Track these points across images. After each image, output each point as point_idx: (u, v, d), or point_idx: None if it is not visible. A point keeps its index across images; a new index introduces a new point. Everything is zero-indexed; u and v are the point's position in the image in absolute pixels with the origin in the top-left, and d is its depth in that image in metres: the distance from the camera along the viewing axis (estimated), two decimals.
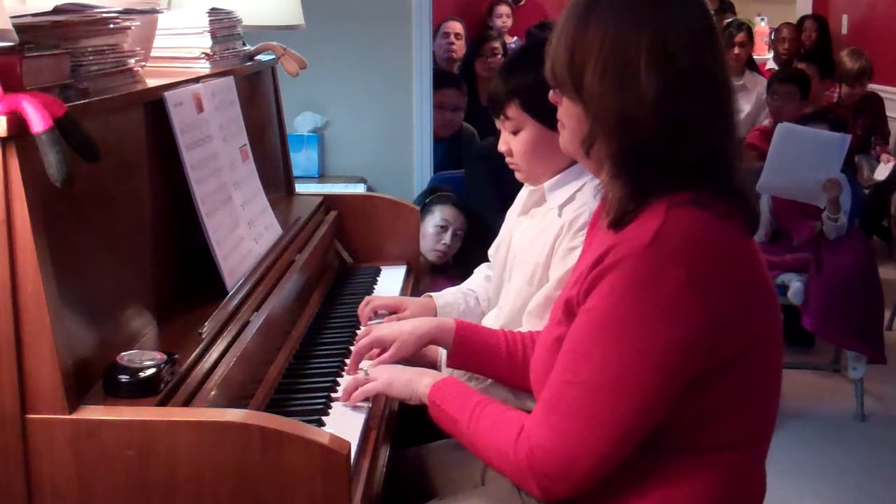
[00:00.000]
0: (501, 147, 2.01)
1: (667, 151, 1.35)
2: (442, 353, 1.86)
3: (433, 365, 1.89)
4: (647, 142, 1.35)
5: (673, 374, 1.31)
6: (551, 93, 1.47)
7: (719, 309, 1.32)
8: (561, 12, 1.45)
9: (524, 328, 1.89)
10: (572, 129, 1.44)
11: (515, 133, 1.96)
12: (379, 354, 1.80)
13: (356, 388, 1.66)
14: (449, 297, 2.21)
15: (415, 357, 1.84)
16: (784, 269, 3.78)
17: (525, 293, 1.93)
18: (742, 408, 1.39)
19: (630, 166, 1.37)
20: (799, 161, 3.67)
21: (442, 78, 4.26)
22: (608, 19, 1.36)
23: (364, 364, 1.81)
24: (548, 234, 1.91)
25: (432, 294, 2.21)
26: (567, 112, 1.44)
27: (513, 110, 1.93)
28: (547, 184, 1.96)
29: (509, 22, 6.48)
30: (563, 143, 1.49)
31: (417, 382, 1.60)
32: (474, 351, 1.80)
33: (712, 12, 1.43)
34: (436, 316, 2.15)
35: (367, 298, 2.16)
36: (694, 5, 1.39)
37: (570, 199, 1.91)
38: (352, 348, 1.88)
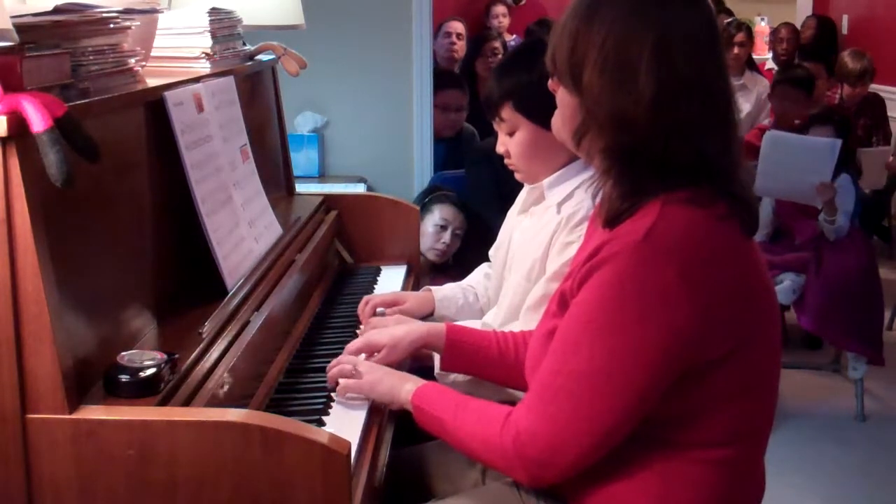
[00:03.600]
0: (499, 148, 2.01)
1: (658, 154, 1.35)
2: (436, 358, 1.87)
3: (432, 369, 1.89)
4: (639, 143, 1.35)
5: (660, 368, 1.32)
6: (550, 79, 1.48)
7: (711, 306, 1.32)
8: (566, 7, 1.45)
9: (520, 323, 1.90)
10: (565, 117, 1.46)
11: (511, 134, 1.96)
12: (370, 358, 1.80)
13: (339, 374, 1.68)
14: (447, 291, 2.23)
15: (415, 362, 1.85)
16: (784, 268, 3.78)
17: (523, 289, 1.94)
18: (735, 404, 1.40)
19: (620, 164, 1.38)
20: (789, 166, 3.68)
21: (445, 78, 4.26)
22: (614, 16, 1.36)
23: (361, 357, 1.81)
24: (546, 231, 1.92)
25: (431, 288, 2.22)
26: (563, 100, 1.46)
27: (507, 112, 1.94)
28: (546, 181, 1.96)
29: (506, 21, 6.50)
30: (556, 127, 1.51)
31: (399, 389, 1.60)
32: (466, 353, 1.80)
33: (716, 17, 1.43)
34: (434, 309, 2.17)
35: (365, 298, 2.16)
36: (700, 10, 1.39)
37: (569, 196, 1.92)
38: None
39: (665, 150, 1.35)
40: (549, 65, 1.45)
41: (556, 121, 1.49)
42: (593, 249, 1.35)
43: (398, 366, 1.83)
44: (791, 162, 3.68)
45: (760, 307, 1.41)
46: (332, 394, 1.69)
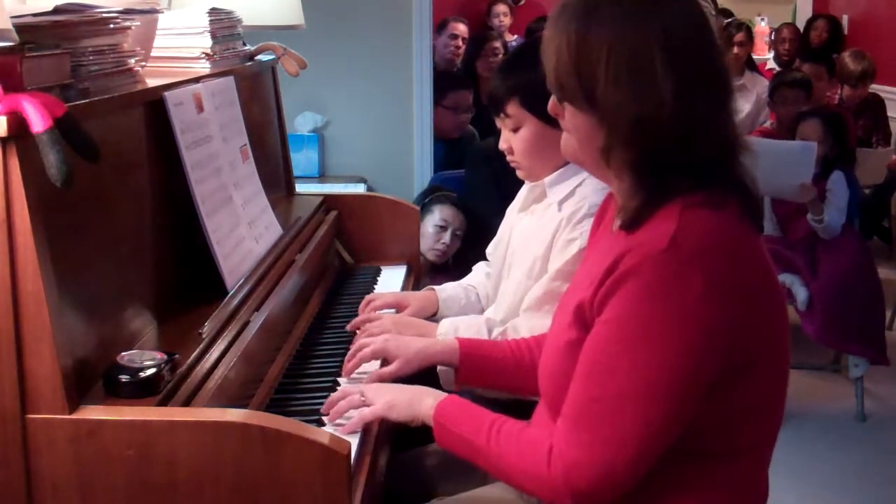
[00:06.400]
0: (502, 145, 2.01)
1: (684, 150, 1.33)
2: (441, 371, 1.86)
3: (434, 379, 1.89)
4: (666, 143, 1.33)
5: (697, 378, 1.29)
6: (550, 104, 1.43)
7: (736, 312, 1.30)
8: (550, 17, 1.39)
9: (521, 321, 1.89)
10: (583, 138, 1.39)
11: (515, 130, 1.96)
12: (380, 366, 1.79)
13: (348, 406, 1.59)
14: (451, 292, 2.23)
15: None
16: (783, 268, 3.76)
17: (524, 287, 1.94)
18: (749, 416, 1.38)
19: (650, 170, 1.34)
20: (769, 170, 3.67)
21: (455, 79, 4.29)
22: (612, 23, 1.33)
23: (365, 366, 1.80)
24: (547, 229, 1.92)
25: (435, 288, 2.22)
26: (575, 123, 1.39)
27: (512, 108, 1.94)
28: (547, 179, 1.96)
29: (507, 21, 6.49)
30: (572, 151, 1.44)
31: (419, 403, 1.54)
32: (483, 366, 1.78)
33: (711, 14, 1.42)
34: (438, 309, 2.17)
35: (367, 297, 2.16)
36: (689, 4, 1.38)
37: (570, 194, 1.92)
38: (352, 348, 1.88)
39: (689, 145, 1.33)
40: (555, 89, 1.39)
41: (570, 145, 1.43)
42: (612, 261, 1.31)
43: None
44: (769, 166, 3.68)
45: (777, 311, 1.39)
46: (340, 422, 1.59)
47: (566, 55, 1.35)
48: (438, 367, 1.84)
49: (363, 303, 2.14)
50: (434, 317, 2.17)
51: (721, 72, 1.37)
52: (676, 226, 1.30)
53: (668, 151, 1.33)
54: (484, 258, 2.31)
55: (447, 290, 2.22)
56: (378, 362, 1.81)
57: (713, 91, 1.35)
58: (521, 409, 1.61)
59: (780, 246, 3.82)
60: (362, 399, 1.59)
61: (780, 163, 3.72)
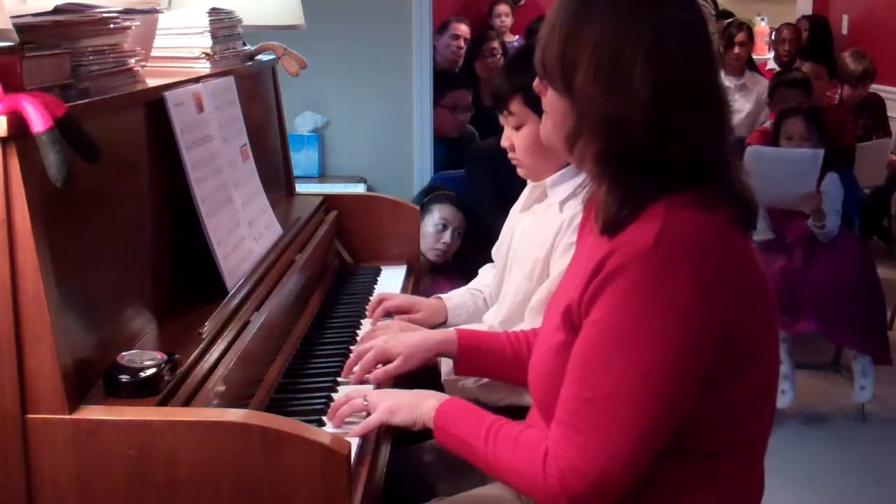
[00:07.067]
0: (504, 142, 2.01)
1: (652, 156, 1.32)
2: (443, 363, 1.86)
3: (434, 379, 1.88)
4: (633, 146, 1.32)
5: (689, 374, 1.29)
6: (536, 81, 1.44)
7: (726, 309, 1.30)
8: (554, 2, 1.41)
9: (526, 324, 1.89)
10: (556, 121, 1.41)
11: (518, 128, 1.97)
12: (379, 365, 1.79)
13: (351, 411, 1.59)
14: (458, 300, 2.22)
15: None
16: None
17: (525, 287, 1.94)
18: (741, 413, 1.38)
19: (614, 168, 1.35)
20: (773, 179, 3.65)
21: (454, 78, 4.29)
22: (606, 17, 1.33)
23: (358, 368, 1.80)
24: (548, 230, 1.92)
25: (442, 296, 2.21)
26: (552, 103, 1.41)
27: (516, 105, 1.95)
28: (549, 180, 1.97)
29: (508, 21, 6.50)
30: (545, 132, 1.46)
31: (420, 406, 1.54)
32: (480, 357, 1.79)
33: (710, 16, 1.41)
34: (446, 319, 2.16)
35: (379, 296, 2.15)
36: (691, 9, 1.38)
37: (572, 195, 1.92)
38: (352, 348, 1.88)
39: (659, 152, 1.32)
40: (539, 67, 1.41)
41: (547, 126, 1.45)
42: (597, 262, 1.31)
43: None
44: (775, 175, 3.66)
45: (765, 310, 1.39)
46: (350, 428, 1.59)
47: (556, 38, 1.37)
48: (439, 358, 1.84)
49: (374, 300, 2.13)
50: (443, 325, 2.16)
51: (708, 85, 1.36)
52: (662, 224, 1.29)
53: (634, 153, 1.33)
54: (484, 257, 2.31)
55: (455, 299, 2.21)
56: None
57: (693, 102, 1.33)
58: (519, 415, 1.61)
59: (774, 252, 3.79)
60: (365, 404, 1.59)
61: (786, 171, 3.71)
